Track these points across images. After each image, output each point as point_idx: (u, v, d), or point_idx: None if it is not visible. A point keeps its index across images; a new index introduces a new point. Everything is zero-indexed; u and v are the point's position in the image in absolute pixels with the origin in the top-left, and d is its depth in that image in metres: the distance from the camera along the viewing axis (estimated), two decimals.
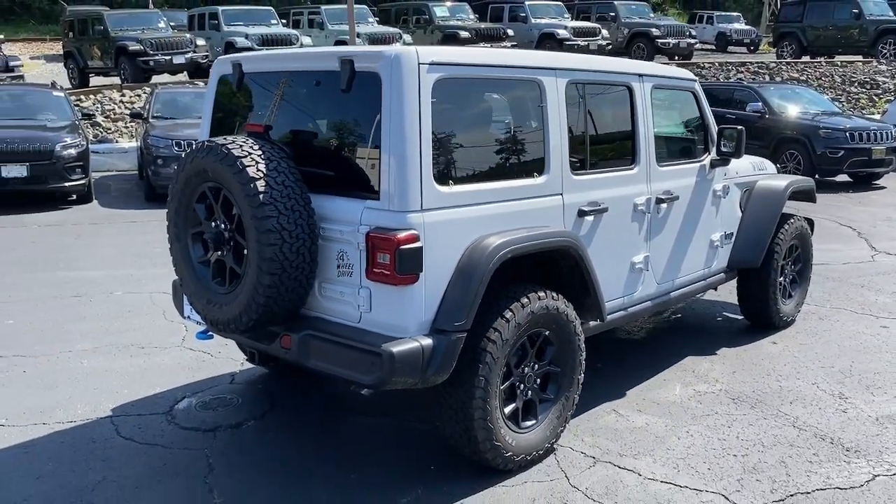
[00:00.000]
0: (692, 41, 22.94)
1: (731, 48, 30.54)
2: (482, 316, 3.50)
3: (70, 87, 18.91)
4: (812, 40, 22.90)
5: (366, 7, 22.62)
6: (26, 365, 5.18)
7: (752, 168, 5.85)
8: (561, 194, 3.96)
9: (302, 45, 19.64)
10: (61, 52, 21.57)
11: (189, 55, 18.55)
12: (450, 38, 20.82)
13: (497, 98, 3.84)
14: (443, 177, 3.41)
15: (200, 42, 19.25)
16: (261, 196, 3.29)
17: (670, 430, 4.29)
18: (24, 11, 28.50)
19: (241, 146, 3.42)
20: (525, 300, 3.63)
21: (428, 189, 3.33)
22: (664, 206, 4.70)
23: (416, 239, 3.26)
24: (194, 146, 3.61)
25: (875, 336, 5.84)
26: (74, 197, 11.19)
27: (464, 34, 20.59)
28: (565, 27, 21.60)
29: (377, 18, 22.06)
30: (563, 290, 3.93)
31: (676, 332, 6.05)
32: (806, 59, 22.55)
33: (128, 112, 15.30)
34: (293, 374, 4.87)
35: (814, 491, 3.66)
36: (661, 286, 4.84)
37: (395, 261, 3.22)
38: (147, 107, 12.90)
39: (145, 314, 6.22)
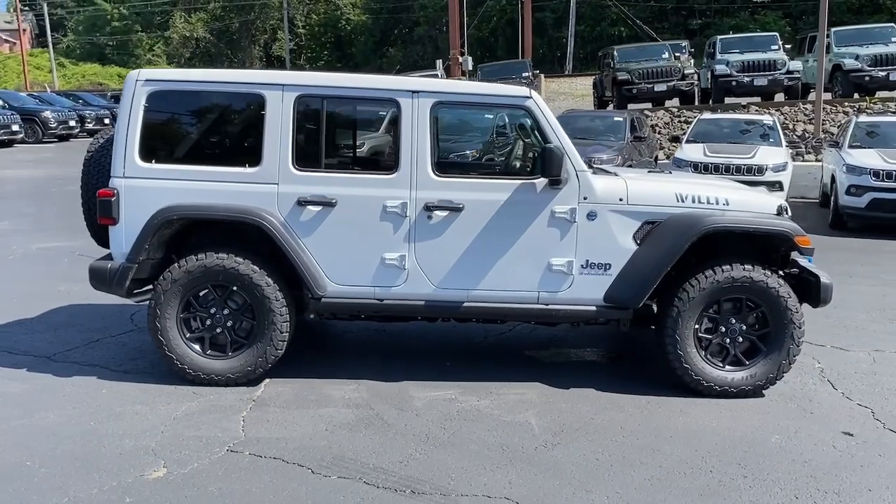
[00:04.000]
0: None
1: None
2: (166, 259, 4.95)
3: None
4: None
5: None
6: None
7: (676, 199, 4.99)
8: (276, 184, 4.90)
9: (789, 70, 18.90)
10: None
11: (672, 83, 19.92)
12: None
13: (217, 106, 5.03)
14: (147, 156, 4.92)
15: (689, 71, 20.45)
16: (84, 162, 5.39)
17: (342, 411, 4.71)
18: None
19: (98, 135, 5.56)
20: (201, 256, 4.86)
21: (130, 163, 4.91)
22: (439, 213, 4.87)
23: (111, 195, 4.92)
24: None
25: (786, 434, 4.40)
26: None
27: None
28: None
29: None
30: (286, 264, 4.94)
31: (597, 367, 5.58)
32: None
33: None
34: None
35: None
36: (443, 291, 4.95)
37: (98, 207, 4.98)
38: None
39: None
